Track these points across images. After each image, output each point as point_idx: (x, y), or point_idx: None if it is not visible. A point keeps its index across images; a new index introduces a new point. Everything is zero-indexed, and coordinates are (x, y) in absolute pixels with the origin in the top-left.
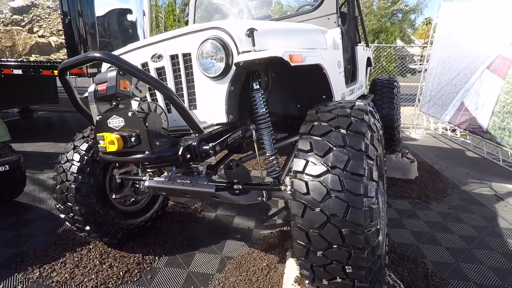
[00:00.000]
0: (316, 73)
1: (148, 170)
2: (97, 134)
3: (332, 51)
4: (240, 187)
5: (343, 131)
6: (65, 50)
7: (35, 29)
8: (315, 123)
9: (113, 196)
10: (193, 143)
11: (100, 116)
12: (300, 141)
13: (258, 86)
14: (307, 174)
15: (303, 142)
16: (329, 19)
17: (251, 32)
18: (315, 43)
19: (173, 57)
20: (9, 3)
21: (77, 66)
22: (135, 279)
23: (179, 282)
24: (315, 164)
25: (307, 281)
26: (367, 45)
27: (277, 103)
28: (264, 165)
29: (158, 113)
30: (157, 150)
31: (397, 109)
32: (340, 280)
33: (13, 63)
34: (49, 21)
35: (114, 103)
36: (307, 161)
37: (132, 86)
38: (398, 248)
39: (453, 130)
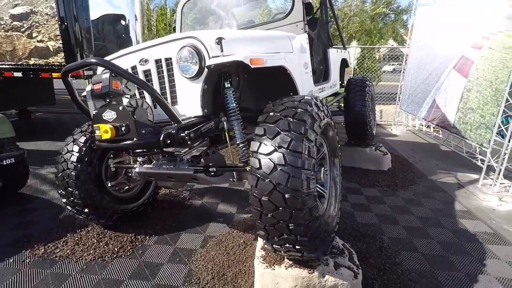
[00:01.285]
0: (282, 73)
1: (139, 159)
2: (94, 125)
3: (298, 54)
4: (215, 169)
5: (289, 118)
6: (63, 54)
7: (34, 35)
8: (270, 113)
9: (109, 184)
10: (172, 131)
11: (96, 111)
12: (256, 128)
13: (229, 85)
14: (260, 153)
15: (259, 128)
16: (297, 26)
17: (219, 41)
18: (280, 47)
19: (157, 61)
20: (9, 11)
21: (78, 69)
22: (128, 254)
23: (166, 256)
24: (266, 145)
25: (263, 241)
26: (344, 48)
27: (251, 100)
28: (236, 152)
29: (144, 108)
30: (142, 137)
31: (369, 106)
32: (286, 236)
33: (13, 66)
34: (47, 27)
35: (108, 100)
36: (261, 143)
37: (123, 86)
38: (362, 227)
39: (429, 126)
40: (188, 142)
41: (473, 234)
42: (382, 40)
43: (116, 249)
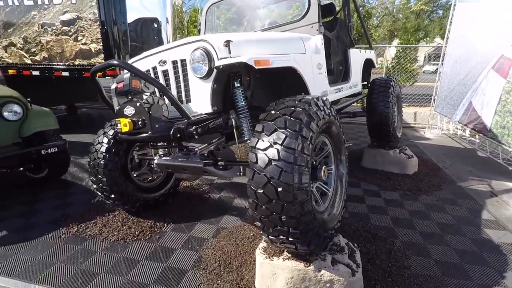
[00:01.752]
0: (293, 73)
1: (160, 152)
2: (116, 119)
3: (311, 55)
4: (223, 163)
5: (287, 116)
6: (103, 55)
7: (79, 38)
8: (271, 112)
9: (134, 174)
10: (182, 126)
11: (119, 106)
12: (257, 125)
13: (238, 84)
14: (257, 149)
15: (259, 125)
16: (312, 27)
17: (227, 43)
18: (291, 49)
19: (174, 62)
20: (60, 17)
21: (102, 70)
22: (147, 238)
23: (180, 242)
24: (263, 141)
25: (261, 232)
26: (370, 48)
27: (263, 99)
28: (245, 148)
29: (160, 105)
30: (156, 131)
31: (392, 107)
32: (279, 227)
33: (62, 67)
34: (90, 31)
35: (130, 97)
36: (258, 139)
37: (142, 84)
38: (374, 229)
39: (465, 130)
40: (196, 137)
41: (497, 245)
42: (427, 38)
43: (136, 232)
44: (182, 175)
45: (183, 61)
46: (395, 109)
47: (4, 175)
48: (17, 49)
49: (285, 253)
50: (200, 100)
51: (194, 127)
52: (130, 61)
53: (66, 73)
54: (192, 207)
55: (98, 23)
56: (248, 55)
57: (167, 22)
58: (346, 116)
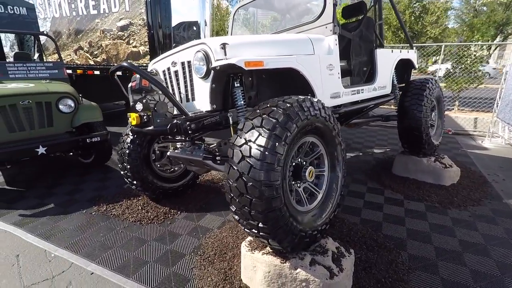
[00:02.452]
0: (299, 74)
1: (178, 145)
2: (128, 114)
3: (321, 56)
4: (220, 158)
5: (265, 116)
6: (149, 56)
7: (130, 41)
8: (255, 111)
9: (155, 164)
10: (178, 122)
11: (132, 102)
12: (239, 123)
13: (238, 84)
14: (235, 145)
15: (241, 124)
16: (326, 28)
17: (223, 46)
18: (295, 50)
19: (182, 63)
20: (116, 23)
21: (117, 71)
22: (160, 222)
23: (187, 229)
24: (240, 138)
25: (239, 224)
26: (411, 47)
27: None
28: None
29: (165, 102)
30: (157, 125)
31: (425, 111)
32: (250, 221)
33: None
34: (139, 34)
35: (143, 94)
36: (237, 136)
37: (151, 83)
38: (382, 238)
39: None
40: (190, 132)
41: None
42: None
43: (152, 216)
44: (192, 168)
45: (188, 63)
46: (429, 113)
47: (59, 158)
48: (83, 52)
49: (267, 248)
50: (201, 99)
51: (188, 123)
52: (152, 62)
53: (119, 73)
54: (208, 199)
55: (146, 28)
56: (242, 57)
57: (206, 24)
58: (377, 119)
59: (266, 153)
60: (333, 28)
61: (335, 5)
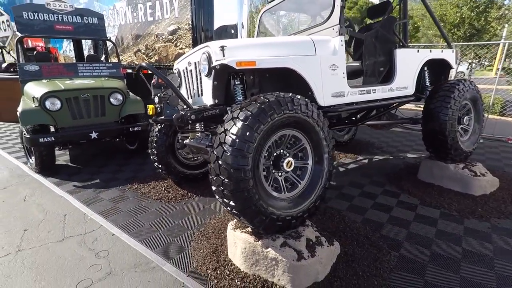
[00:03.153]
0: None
1: (198, 135)
2: (147, 106)
3: (324, 56)
4: None
5: (243, 109)
6: None
7: (178, 44)
8: (239, 105)
9: (180, 152)
10: (181, 113)
11: (152, 96)
12: (226, 116)
13: (238, 82)
14: (217, 133)
15: (225, 116)
16: (333, 29)
17: (222, 48)
18: (294, 51)
19: (195, 64)
20: (167, 28)
21: (139, 70)
22: (177, 202)
23: (197, 210)
24: (221, 127)
25: (218, 201)
26: (449, 46)
27: None
28: None
29: (175, 97)
30: (166, 115)
31: (452, 114)
32: (224, 199)
33: (166, 67)
34: (185, 37)
35: (162, 89)
36: (220, 126)
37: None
38: (377, 237)
39: None
40: (189, 122)
41: None
42: None
43: (171, 196)
44: (203, 156)
45: (198, 63)
46: (456, 117)
47: (110, 143)
48: (141, 53)
49: (249, 228)
50: (207, 94)
51: (189, 114)
52: (176, 62)
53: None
54: None
55: (191, 31)
56: (237, 58)
57: (242, 27)
58: (405, 122)
59: (237, 140)
60: (339, 29)
61: (342, 7)
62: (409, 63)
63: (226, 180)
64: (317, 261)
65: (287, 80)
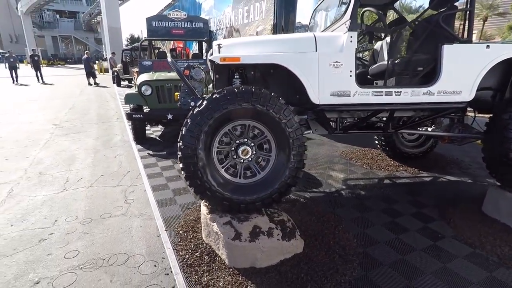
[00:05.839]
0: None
1: None
2: (175, 93)
3: (326, 53)
4: None
5: (206, 98)
6: None
7: None
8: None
9: None
10: (189, 100)
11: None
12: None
13: (237, 77)
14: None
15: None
16: (345, 25)
17: (219, 46)
18: (287, 48)
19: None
20: (256, 29)
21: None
22: None
23: None
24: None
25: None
26: None
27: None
28: None
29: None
30: (183, 103)
31: None
32: (184, 173)
33: None
34: None
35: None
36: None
37: (191, 73)
38: (355, 252)
39: None
40: (190, 108)
41: None
42: None
43: None
44: None
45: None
46: None
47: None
48: None
49: None
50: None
51: (190, 101)
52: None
53: None
54: None
55: (272, 31)
56: (224, 54)
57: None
58: (474, 137)
59: (189, 122)
60: (349, 25)
61: (356, 2)
62: (468, 62)
63: (180, 155)
64: (255, 247)
65: (291, 77)
